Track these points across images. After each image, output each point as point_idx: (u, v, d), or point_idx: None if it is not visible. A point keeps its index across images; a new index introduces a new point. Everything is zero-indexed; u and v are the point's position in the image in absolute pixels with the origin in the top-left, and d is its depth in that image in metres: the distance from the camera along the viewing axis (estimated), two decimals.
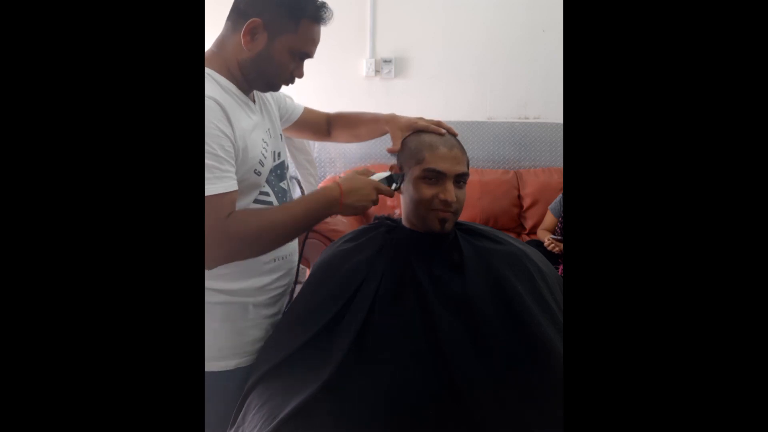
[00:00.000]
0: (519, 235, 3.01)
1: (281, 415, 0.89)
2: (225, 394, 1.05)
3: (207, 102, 0.94)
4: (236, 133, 0.99)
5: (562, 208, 2.53)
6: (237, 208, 0.98)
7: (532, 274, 1.09)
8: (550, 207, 2.66)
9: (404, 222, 1.16)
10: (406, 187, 1.12)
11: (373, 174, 1.11)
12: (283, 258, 1.16)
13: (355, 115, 1.39)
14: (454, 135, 1.16)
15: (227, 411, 1.01)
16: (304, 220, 1.02)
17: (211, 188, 0.92)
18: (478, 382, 0.93)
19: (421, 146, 1.10)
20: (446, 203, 1.05)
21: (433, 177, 1.07)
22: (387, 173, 1.13)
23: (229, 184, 0.96)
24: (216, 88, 1.01)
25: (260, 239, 0.99)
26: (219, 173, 0.94)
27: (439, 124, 1.18)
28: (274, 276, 1.14)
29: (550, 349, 0.97)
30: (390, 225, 1.20)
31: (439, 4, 3.13)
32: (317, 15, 1.04)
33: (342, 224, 2.40)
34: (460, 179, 1.09)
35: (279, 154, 1.16)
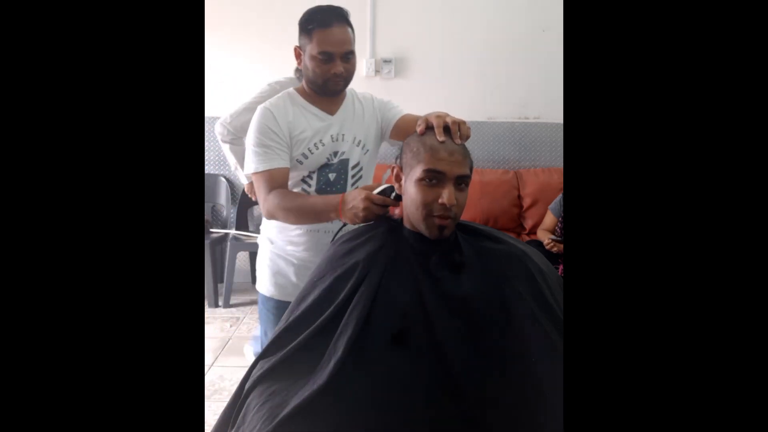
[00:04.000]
0: (519, 235, 3.01)
1: (281, 415, 0.89)
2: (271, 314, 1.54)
3: (261, 110, 1.40)
4: (283, 130, 1.39)
5: (562, 208, 2.54)
6: (290, 178, 1.41)
7: (533, 274, 1.09)
8: (550, 207, 2.66)
9: (405, 222, 1.15)
10: (407, 188, 1.11)
11: (375, 187, 1.21)
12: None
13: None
14: (456, 143, 1.08)
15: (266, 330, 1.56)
16: (315, 214, 1.33)
17: (260, 166, 1.37)
18: (478, 383, 0.94)
19: (422, 147, 1.09)
20: (445, 207, 1.04)
21: (434, 178, 1.05)
22: (383, 186, 1.19)
23: (273, 164, 1.37)
24: (284, 100, 1.44)
25: (288, 214, 1.36)
26: (266, 157, 1.37)
27: (461, 123, 1.11)
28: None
29: (551, 349, 0.97)
30: (391, 225, 1.19)
31: (439, 4, 3.13)
32: (323, 21, 1.33)
33: None
34: (461, 181, 1.07)
35: (339, 154, 1.46)
